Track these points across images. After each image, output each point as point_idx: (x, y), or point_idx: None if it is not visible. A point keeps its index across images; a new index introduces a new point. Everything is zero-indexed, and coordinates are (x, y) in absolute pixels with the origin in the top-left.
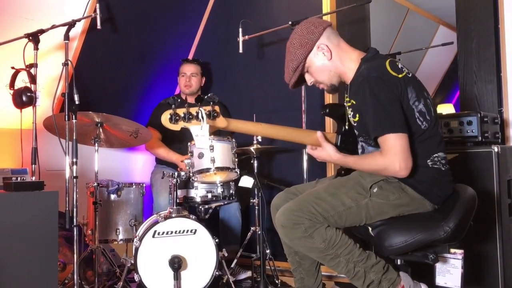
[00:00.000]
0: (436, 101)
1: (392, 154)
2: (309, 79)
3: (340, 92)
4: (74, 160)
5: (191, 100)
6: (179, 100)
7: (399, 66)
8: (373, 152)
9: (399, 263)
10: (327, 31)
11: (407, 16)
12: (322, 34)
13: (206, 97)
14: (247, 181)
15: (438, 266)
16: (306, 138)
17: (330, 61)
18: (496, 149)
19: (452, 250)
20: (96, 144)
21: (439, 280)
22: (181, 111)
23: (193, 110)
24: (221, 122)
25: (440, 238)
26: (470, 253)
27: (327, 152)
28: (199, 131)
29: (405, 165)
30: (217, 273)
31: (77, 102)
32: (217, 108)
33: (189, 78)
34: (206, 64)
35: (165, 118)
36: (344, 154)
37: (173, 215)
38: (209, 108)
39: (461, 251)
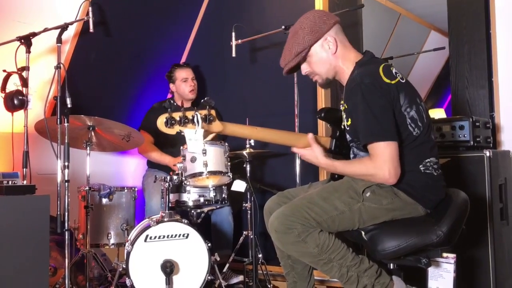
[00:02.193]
0: (428, 106)
1: (382, 161)
2: (305, 68)
3: (333, 96)
4: (66, 163)
5: (187, 105)
6: (175, 104)
7: (393, 71)
8: (362, 158)
9: (392, 267)
10: (336, 26)
11: (399, 21)
12: (333, 27)
13: (202, 100)
14: (239, 185)
15: (431, 270)
16: (301, 141)
17: (333, 55)
18: (488, 154)
19: (445, 254)
20: (88, 148)
21: (431, 284)
22: (177, 115)
23: (189, 114)
24: (217, 126)
25: (433, 242)
26: (462, 257)
27: (314, 154)
28: (193, 135)
29: (394, 172)
30: (209, 277)
31: (69, 106)
32: (213, 112)
33: (192, 82)
34: (197, 67)
35: (160, 122)
36: (332, 159)
37: (165, 219)
38: (205, 112)
39: (453, 255)
